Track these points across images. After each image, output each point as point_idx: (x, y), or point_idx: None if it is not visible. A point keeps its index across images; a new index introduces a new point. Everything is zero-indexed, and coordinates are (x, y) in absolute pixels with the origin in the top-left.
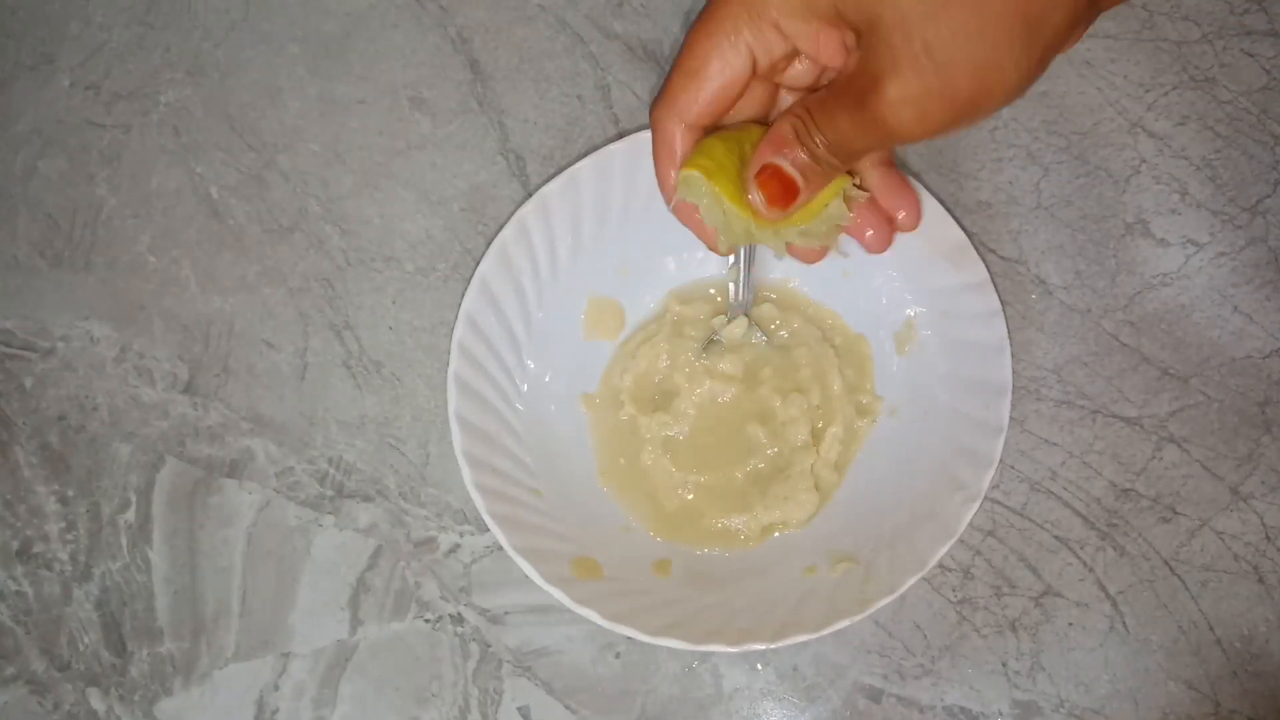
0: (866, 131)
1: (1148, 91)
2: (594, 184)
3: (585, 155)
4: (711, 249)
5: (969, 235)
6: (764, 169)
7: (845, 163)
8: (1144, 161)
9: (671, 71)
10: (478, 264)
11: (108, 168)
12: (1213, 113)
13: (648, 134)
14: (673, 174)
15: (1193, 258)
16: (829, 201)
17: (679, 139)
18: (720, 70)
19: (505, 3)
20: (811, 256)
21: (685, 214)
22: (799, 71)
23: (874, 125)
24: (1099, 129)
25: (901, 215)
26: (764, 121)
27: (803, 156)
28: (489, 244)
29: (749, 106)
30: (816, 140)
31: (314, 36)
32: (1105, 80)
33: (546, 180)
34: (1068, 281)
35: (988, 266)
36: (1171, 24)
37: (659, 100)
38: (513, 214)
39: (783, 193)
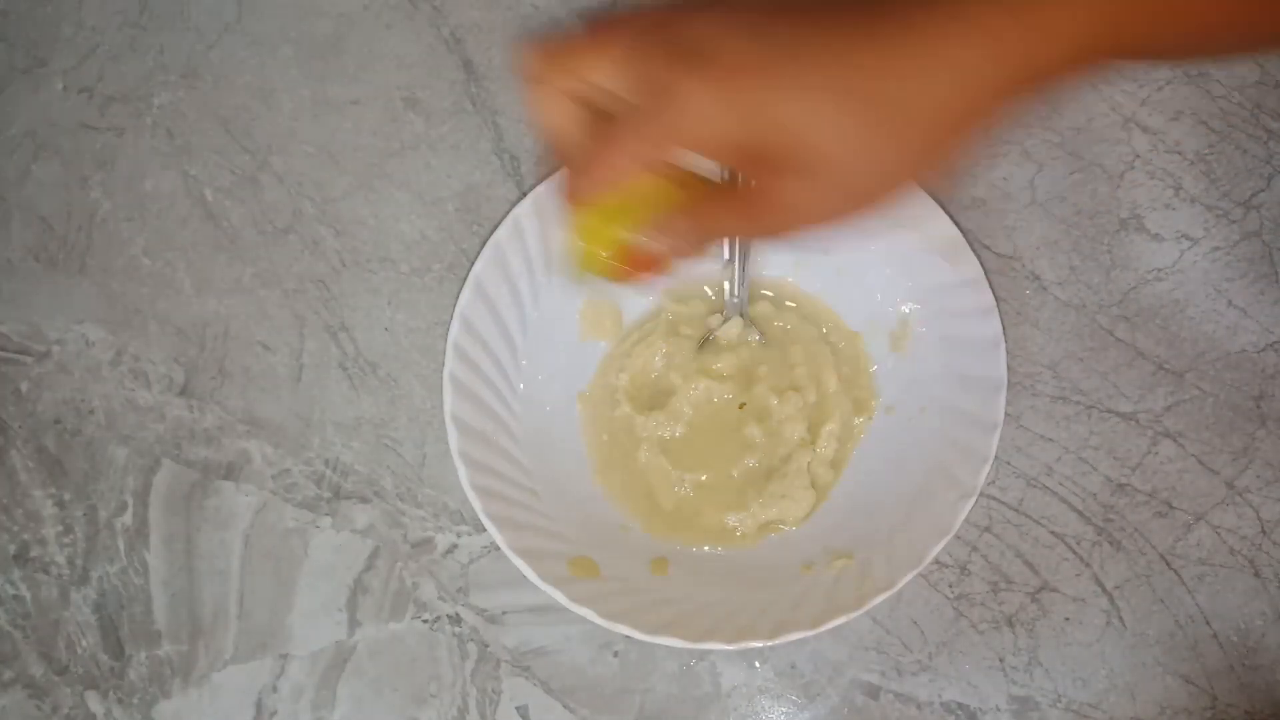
0: (750, 227)
1: (1141, 87)
2: None
3: None
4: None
5: (963, 232)
6: (638, 256)
7: (705, 248)
8: (1138, 157)
9: (583, 163)
10: (472, 264)
11: (102, 171)
12: (1206, 108)
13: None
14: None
15: (1187, 252)
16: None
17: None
18: (623, 178)
19: (499, 3)
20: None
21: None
22: None
23: (759, 223)
24: (1093, 125)
25: None
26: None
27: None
28: (484, 244)
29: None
30: (695, 231)
31: (307, 38)
32: (1099, 76)
33: (541, 180)
34: (1062, 277)
35: (982, 263)
36: None
37: (541, 54)
38: (507, 214)
39: (646, 268)
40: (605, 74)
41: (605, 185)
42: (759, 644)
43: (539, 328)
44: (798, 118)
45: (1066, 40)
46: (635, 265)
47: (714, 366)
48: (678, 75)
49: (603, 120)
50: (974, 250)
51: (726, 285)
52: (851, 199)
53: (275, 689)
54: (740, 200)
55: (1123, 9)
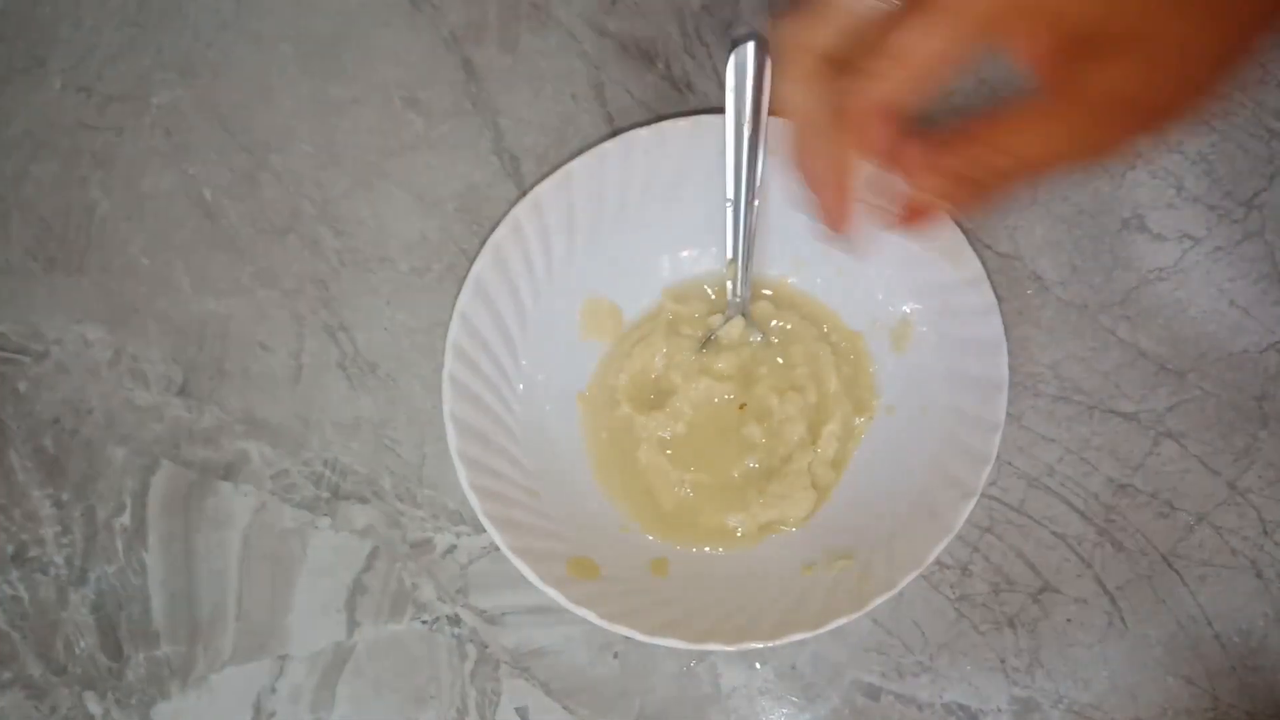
0: (1072, 135)
1: None
2: (588, 183)
3: (579, 154)
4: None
5: (965, 231)
6: (914, 206)
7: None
8: (1139, 156)
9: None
10: (472, 264)
11: (100, 170)
12: (1208, 107)
13: (641, 132)
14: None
15: (1189, 252)
16: None
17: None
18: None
19: (498, 1)
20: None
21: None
22: None
23: (1084, 128)
24: None
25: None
26: None
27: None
28: (483, 244)
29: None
30: (992, 165)
31: (306, 36)
32: None
33: (540, 179)
34: (1064, 277)
35: (984, 263)
36: None
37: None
38: (507, 213)
39: (923, 217)
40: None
41: (914, 89)
42: (759, 645)
43: (539, 328)
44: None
45: None
46: (910, 218)
47: (714, 366)
48: None
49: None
50: (975, 250)
51: (729, 285)
52: (1187, 76)
53: (274, 690)
54: (1049, 107)
55: None
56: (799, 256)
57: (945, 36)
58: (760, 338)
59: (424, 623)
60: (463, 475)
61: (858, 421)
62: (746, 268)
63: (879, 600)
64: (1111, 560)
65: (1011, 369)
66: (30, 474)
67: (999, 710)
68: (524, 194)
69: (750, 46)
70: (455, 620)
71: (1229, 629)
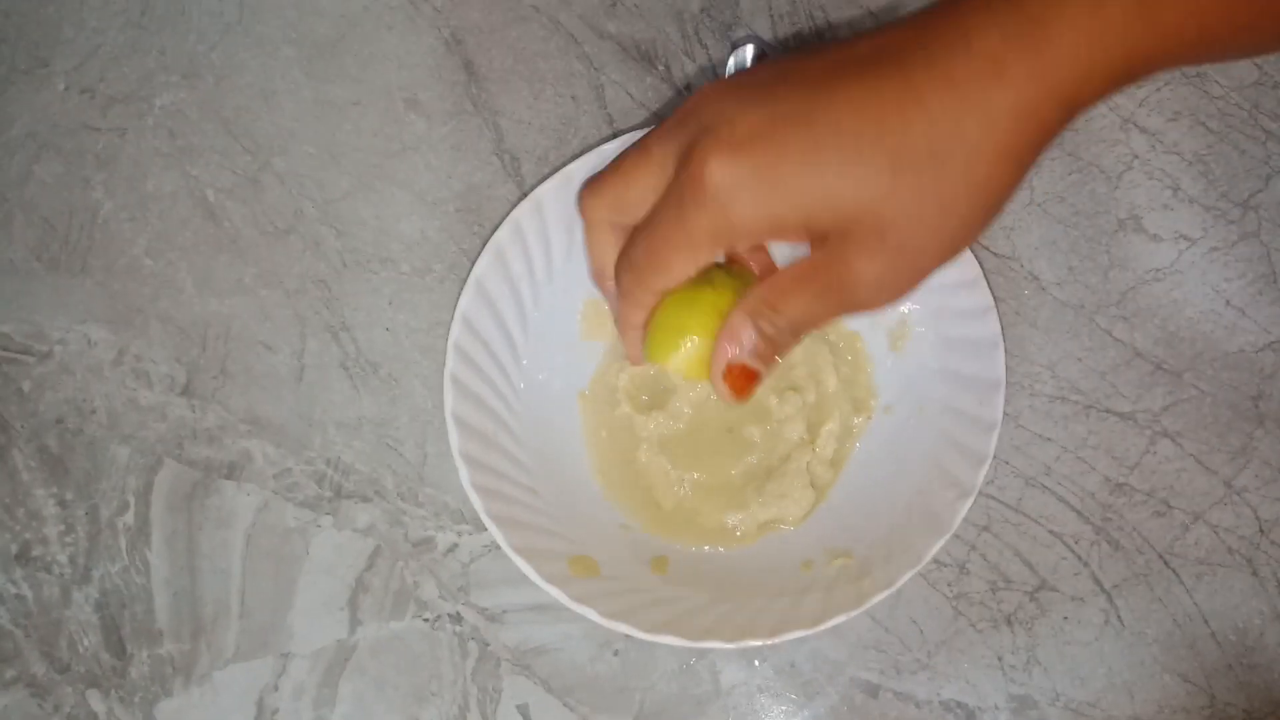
0: (834, 309)
1: (1139, 88)
2: None
3: (580, 155)
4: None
5: None
6: (730, 369)
7: (798, 338)
8: (1136, 157)
9: (635, 247)
10: (473, 265)
11: (103, 171)
12: (1204, 108)
13: (642, 134)
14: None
15: (1185, 253)
16: None
17: (607, 233)
18: (680, 274)
19: (499, 4)
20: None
21: (609, 290)
22: None
23: (844, 304)
24: (1091, 125)
25: None
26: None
27: (761, 345)
28: (484, 245)
29: None
30: (776, 323)
31: (308, 39)
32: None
33: (541, 180)
34: (1061, 277)
35: (981, 263)
36: None
37: (620, 270)
38: (508, 214)
39: (746, 383)
40: (652, 193)
41: (664, 286)
42: (758, 643)
43: (539, 328)
44: (834, 184)
45: (1077, 64)
46: (735, 385)
47: None
48: (703, 160)
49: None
50: (972, 250)
51: None
52: (924, 257)
53: (276, 688)
54: (816, 283)
55: (1131, 21)
56: (798, 256)
57: (685, 251)
58: None
59: (426, 621)
60: (464, 474)
61: (856, 421)
62: None
63: (877, 598)
64: (1108, 559)
65: (1008, 369)
66: (34, 473)
67: (996, 708)
68: (525, 195)
69: (749, 48)
70: (457, 618)
71: (1225, 627)
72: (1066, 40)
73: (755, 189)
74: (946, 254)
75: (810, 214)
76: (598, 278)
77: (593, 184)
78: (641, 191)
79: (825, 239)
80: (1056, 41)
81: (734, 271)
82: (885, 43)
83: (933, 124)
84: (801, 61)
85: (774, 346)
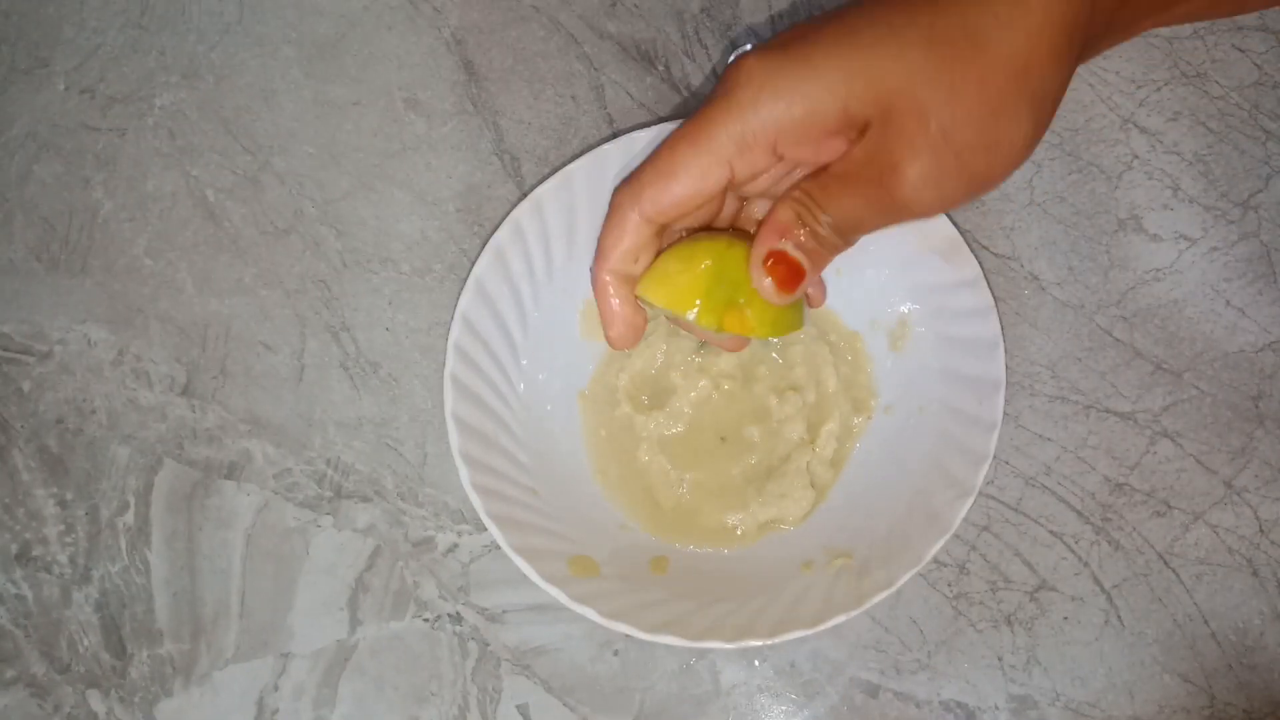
0: (882, 211)
1: (1139, 88)
2: (588, 184)
3: (579, 155)
4: (613, 340)
5: (962, 232)
6: (770, 255)
7: (848, 243)
8: (1136, 157)
9: (646, 163)
10: (473, 265)
11: (103, 171)
12: (1204, 108)
13: (642, 134)
14: (615, 255)
15: (1185, 253)
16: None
17: (633, 228)
18: (695, 180)
19: (499, 4)
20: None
21: (603, 291)
22: (761, 183)
23: (891, 205)
24: (1091, 125)
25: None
26: (710, 227)
27: (807, 239)
28: (484, 245)
29: (702, 212)
30: (822, 222)
31: (308, 39)
32: (1097, 77)
33: (541, 180)
34: (1061, 277)
35: (981, 263)
36: None
37: (625, 186)
38: (508, 214)
39: (790, 276)
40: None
41: (654, 215)
42: (758, 643)
43: (539, 328)
44: (868, 63)
45: None
46: (779, 276)
47: (714, 366)
48: (740, 60)
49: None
50: (972, 250)
51: None
52: (973, 155)
53: (276, 688)
54: (861, 180)
55: None
56: None
57: (701, 153)
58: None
59: (426, 621)
60: (464, 474)
61: (856, 421)
62: None
63: (877, 598)
64: (1108, 559)
65: (1009, 369)
66: (34, 473)
67: (996, 708)
68: (525, 195)
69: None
70: (457, 618)
71: (1225, 627)
72: None
73: (788, 75)
74: (995, 157)
75: (847, 96)
76: (597, 259)
77: (630, 176)
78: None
79: (866, 130)
80: None
81: (740, 235)
82: None
83: (965, 11)
84: None
85: (821, 244)
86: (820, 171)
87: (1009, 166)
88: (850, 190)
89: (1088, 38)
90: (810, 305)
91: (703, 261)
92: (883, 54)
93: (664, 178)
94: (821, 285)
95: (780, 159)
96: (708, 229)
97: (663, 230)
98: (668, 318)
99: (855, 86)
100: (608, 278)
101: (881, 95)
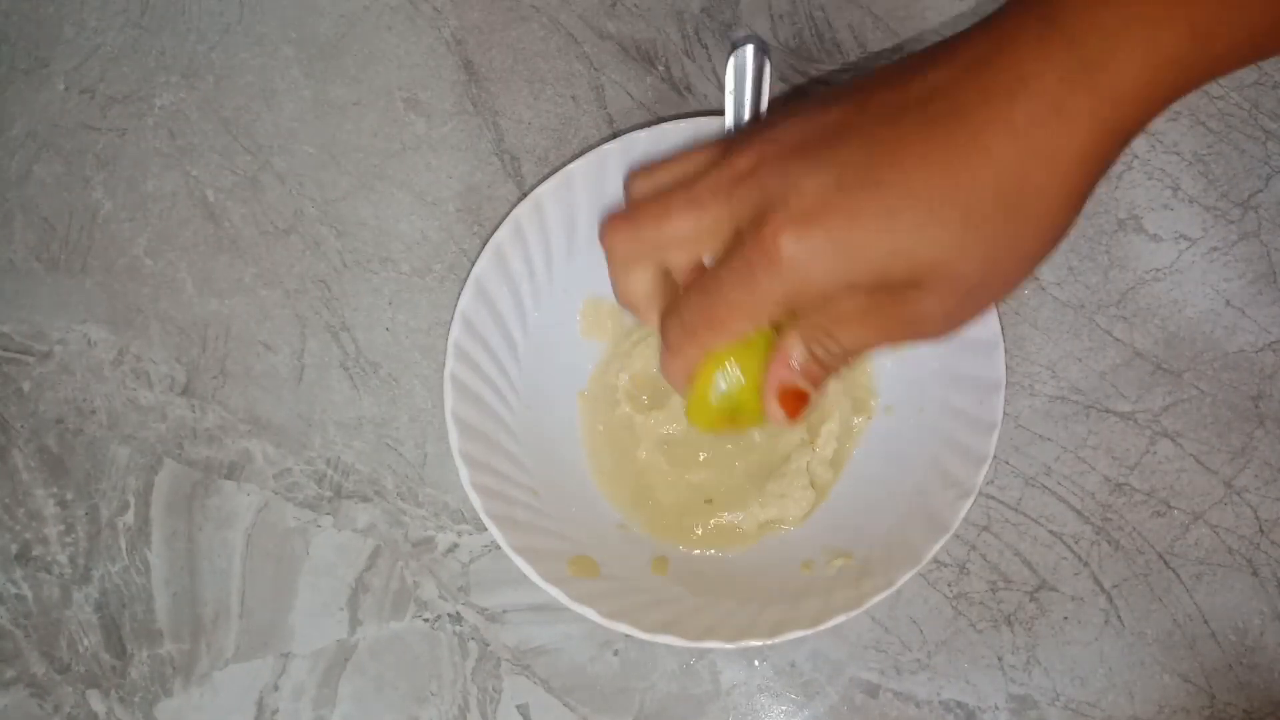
0: (892, 339)
1: None
2: (588, 184)
3: (579, 155)
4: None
5: None
6: (783, 390)
7: (850, 362)
8: (1136, 157)
9: (708, 311)
10: (473, 265)
11: (103, 171)
12: (1204, 108)
13: (642, 134)
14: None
15: (1185, 253)
16: None
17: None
18: (741, 334)
19: (499, 4)
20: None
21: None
22: None
23: (904, 336)
24: None
25: None
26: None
27: (814, 368)
28: (484, 245)
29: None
30: (831, 350)
31: (308, 39)
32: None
33: (541, 180)
34: (1060, 277)
35: None
36: None
37: (688, 337)
38: (507, 214)
39: (800, 405)
40: (693, 244)
41: (719, 345)
42: (758, 643)
43: (539, 327)
44: (908, 244)
45: (1136, 100)
46: (788, 407)
47: None
48: (775, 233)
49: (689, 281)
50: None
51: None
52: (990, 293)
53: (276, 688)
54: (879, 316)
55: (1185, 50)
56: None
57: (750, 316)
58: None
59: (426, 621)
60: (464, 474)
61: (856, 421)
62: None
63: (877, 598)
64: (1108, 559)
65: (1008, 369)
66: (34, 473)
67: (996, 708)
68: (525, 195)
69: (749, 49)
70: (457, 618)
71: (1225, 627)
72: (1126, 77)
73: (830, 257)
74: (1010, 288)
75: (885, 273)
76: (626, 304)
77: (623, 220)
78: (683, 240)
79: (886, 289)
80: (1115, 80)
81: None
82: (938, 84)
83: (999, 174)
84: (854, 107)
85: (825, 369)
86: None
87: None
88: (866, 323)
89: (1113, 159)
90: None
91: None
92: (922, 238)
93: (714, 331)
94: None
95: None
96: None
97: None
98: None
99: (892, 266)
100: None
101: (917, 271)
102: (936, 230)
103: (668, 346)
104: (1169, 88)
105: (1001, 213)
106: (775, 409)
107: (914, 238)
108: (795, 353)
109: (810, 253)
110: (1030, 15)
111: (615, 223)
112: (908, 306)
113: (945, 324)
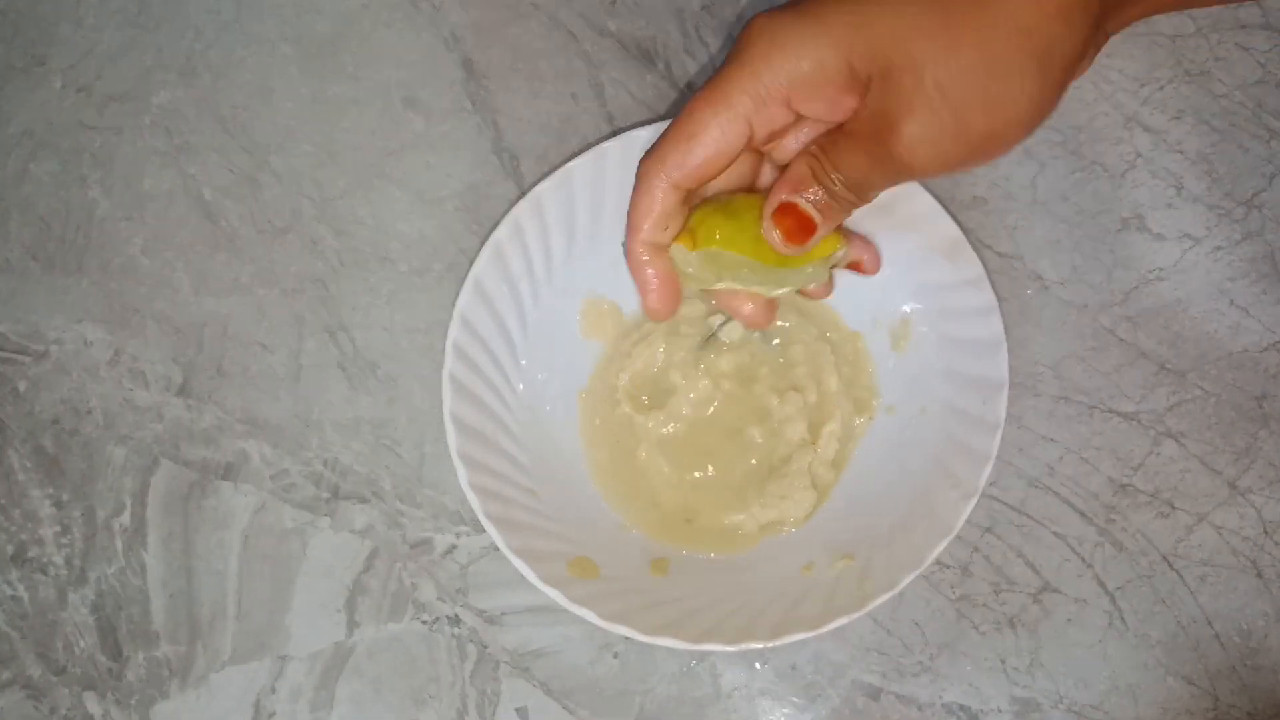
0: (884, 170)
1: (1143, 86)
2: (588, 182)
3: (579, 154)
4: (652, 310)
5: (965, 231)
6: (781, 207)
7: (861, 199)
8: (1139, 156)
9: (668, 130)
10: (472, 264)
11: (100, 170)
12: (1208, 107)
13: (641, 132)
14: (646, 225)
15: (1189, 252)
16: (830, 251)
17: (661, 195)
18: (716, 140)
19: (498, 2)
20: (819, 293)
21: (637, 262)
22: (788, 145)
23: (891, 164)
24: (1094, 124)
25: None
26: (750, 190)
27: (820, 194)
28: (483, 244)
29: (732, 177)
30: (834, 179)
31: (306, 37)
32: (1100, 75)
33: (540, 179)
34: (1064, 277)
35: (984, 262)
36: (1166, 18)
37: (650, 156)
38: (506, 213)
39: (799, 229)
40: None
41: (680, 181)
42: (759, 645)
43: (539, 327)
44: (876, 22)
45: None
46: (787, 228)
47: (715, 366)
48: (749, 23)
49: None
50: (975, 250)
51: None
52: (971, 113)
53: (273, 690)
54: (866, 139)
55: None
56: None
57: (719, 111)
58: (760, 337)
59: (424, 623)
60: (462, 475)
61: (858, 421)
62: None
63: (879, 600)
64: (1112, 560)
65: (1012, 369)
66: (30, 474)
67: (999, 710)
68: (524, 194)
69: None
70: (455, 620)
71: (1229, 629)
72: None
73: (796, 32)
74: (996, 117)
75: (850, 52)
76: (628, 232)
77: (654, 146)
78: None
79: (868, 88)
80: None
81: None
82: None
83: None
84: None
85: (834, 199)
86: (835, 129)
87: (1012, 128)
88: (856, 148)
89: (1106, 3)
90: (863, 273)
91: (717, 207)
92: (884, 10)
93: (686, 140)
94: (873, 251)
95: (798, 116)
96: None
97: (689, 196)
98: (697, 288)
99: (857, 42)
100: (640, 248)
101: (880, 50)
102: (898, 2)
103: (637, 183)
104: None
105: (976, 15)
106: (772, 229)
107: (876, 11)
108: (797, 169)
109: (775, 28)
110: None
111: (646, 155)
112: (886, 120)
113: (924, 144)
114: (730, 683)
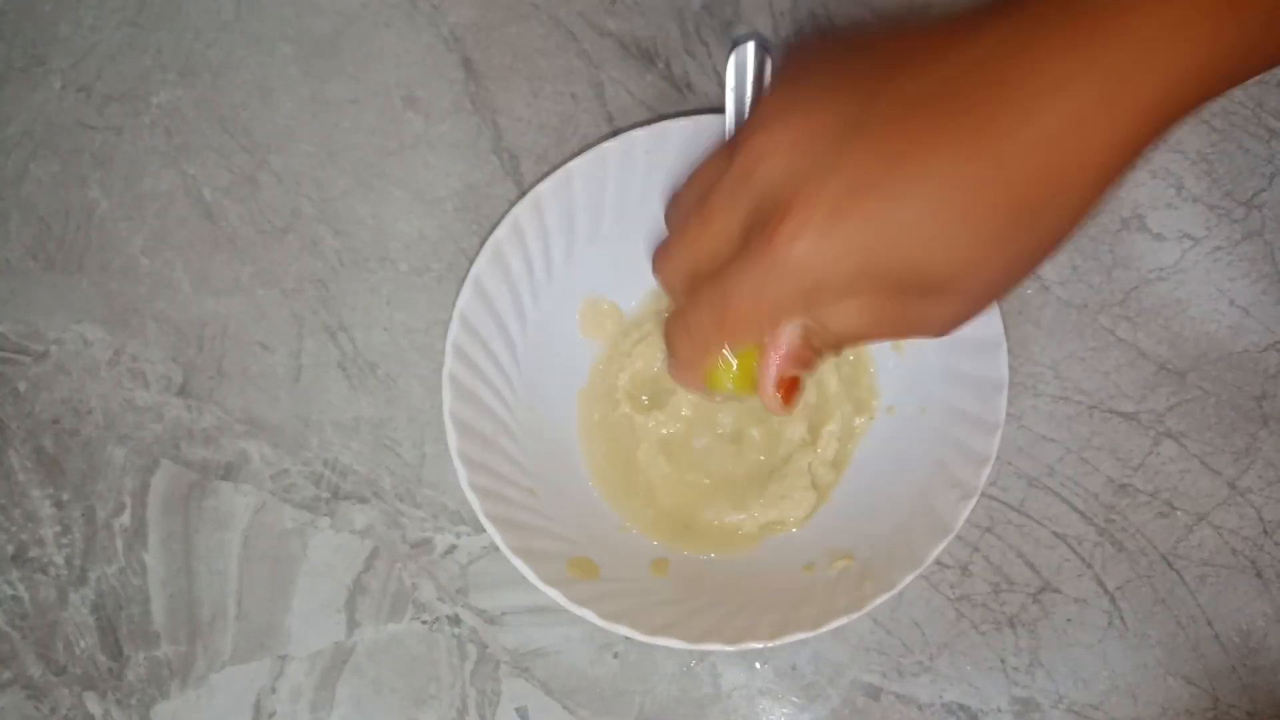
0: (894, 333)
1: None
2: (588, 182)
3: (579, 153)
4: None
5: None
6: (780, 382)
7: (841, 350)
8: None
9: (715, 309)
10: (471, 264)
11: (100, 170)
12: (1208, 106)
13: (642, 132)
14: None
15: (1189, 252)
16: None
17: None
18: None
19: (498, 1)
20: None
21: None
22: None
23: (906, 331)
24: None
25: None
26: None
27: (809, 355)
28: (483, 244)
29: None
30: (826, 339)
31: (306, 36)
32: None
33: (540, 179)
34: (1064, 277)
35: None
36: None
37: (661, 259)
38: (506, 213)
39: (795, 392)
40: (716, 253)
41: (732, 349)
42: (759, 645)
43: (539, 327)
44: (925, 256)
45: (1162, 117)
46: (788, 399)
47: None
48: (788, 239)
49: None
50: None
51: None
52: (990, 299)
53: (274, 690)
54: (877, 314)
55: (1216, 60)
56: None
57: (761, 323)
58: None
59: (424, 623)
60: (462, 475)
61: (858, 422)
62: None
63: (879, 600)
64: (1112, 560)
65: (1011, 369)
66: (30, 474)
67: (999, 710)
68: (524, 193)
69: (750, 46)
70: (455, 620)
71: (1229, 629)
72: (1152, 91)
73: (843, 266)
74: (1015, 287)
75: (900, 282)
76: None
77: (664, 254)
78: (711, 258)
79: (897, 285)
80: (1142, 95)
81: None
82: (956, 79)
83: (1026, 186)
84: (865, 97)
85: (820, 356)
86: None
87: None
88: (866, 316)
89: (1152, 125)
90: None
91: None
92: (936, 253)
93: (728, 338)
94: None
95: None
96: None
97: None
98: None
99: (905, 276)
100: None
101: (936, 281)
102: (956, 245)
103: (676, 358)
104: (1191, 103)
105: (1024, 222)
106: (773, 400)
107: (929, 252)
108: (792, 338)
109: (823, 262)
110: (1052, 5)
111: (657, 257)
112: (914, 308)
113: (950, 324)
114: (730, 683)
